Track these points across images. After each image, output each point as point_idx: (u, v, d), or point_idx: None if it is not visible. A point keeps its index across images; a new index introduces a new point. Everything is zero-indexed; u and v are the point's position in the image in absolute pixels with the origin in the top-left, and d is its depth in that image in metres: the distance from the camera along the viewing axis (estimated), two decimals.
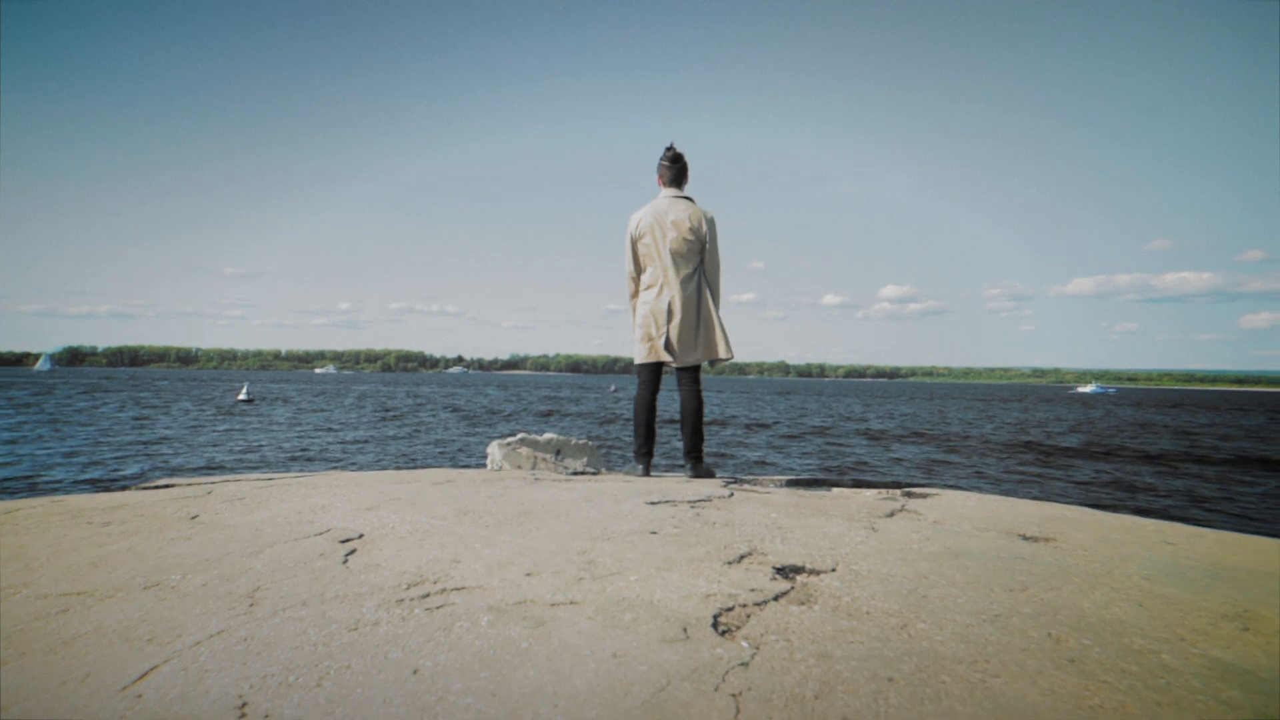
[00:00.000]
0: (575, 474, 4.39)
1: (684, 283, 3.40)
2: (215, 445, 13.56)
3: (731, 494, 2.76)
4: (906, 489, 3.13)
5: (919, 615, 1.31)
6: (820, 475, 3.73)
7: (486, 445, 5.19)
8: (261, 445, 13.63)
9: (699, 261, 3.46)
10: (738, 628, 1.24)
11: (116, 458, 11.60)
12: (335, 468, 10.86)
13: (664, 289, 3.40)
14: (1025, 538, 1.99)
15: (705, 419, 3.67)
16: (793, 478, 3.46)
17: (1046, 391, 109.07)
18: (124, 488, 3.05)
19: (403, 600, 1.37)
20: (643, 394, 3.53)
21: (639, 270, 3.54)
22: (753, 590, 1.46)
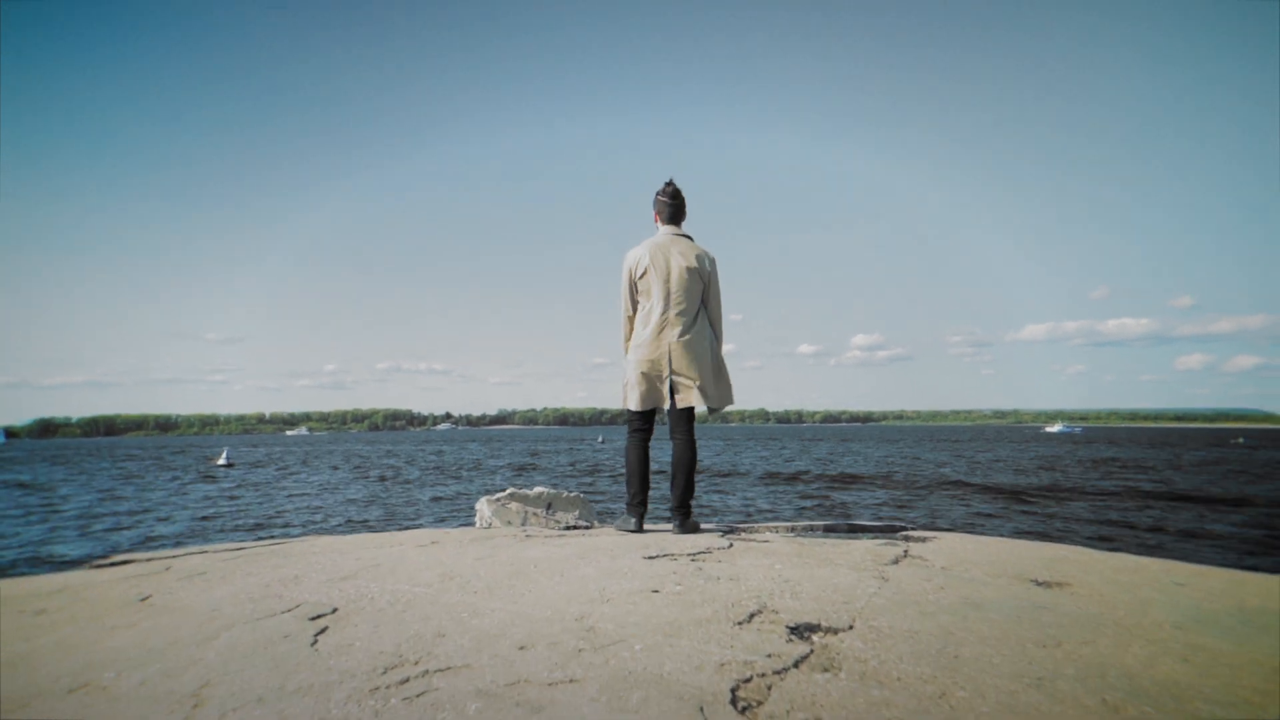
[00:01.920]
0: (567, 529, 4.20)
1: (686, 324, 3.22)
2: (188, 513, 13.05)
3: (730, 545, 2.62)
4: (903, 532, 3.01)
5: (956, 680, 1.18)
6: (815, 521, 3.56)
7: (475, 502, 4.99)
8: (238, 511, 13.14)
9: (700, 303, 3.30)
10: (759, 703, 1.10)
11: (81, 532, 11.08)
12: (315, 532, 10.46)
13: (664, 330, 3.21)
14: (1039, 583, 1.87)
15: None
16: (789, 524, 3.32)
17: (1012, 432, 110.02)
18: (77, 566, 2.82)
19: (378, 689, 1.21)
20: (635, 442, 3.32)
21: (636, 310, 3.35)
22: (770, 656, 1.31)
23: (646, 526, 3.38)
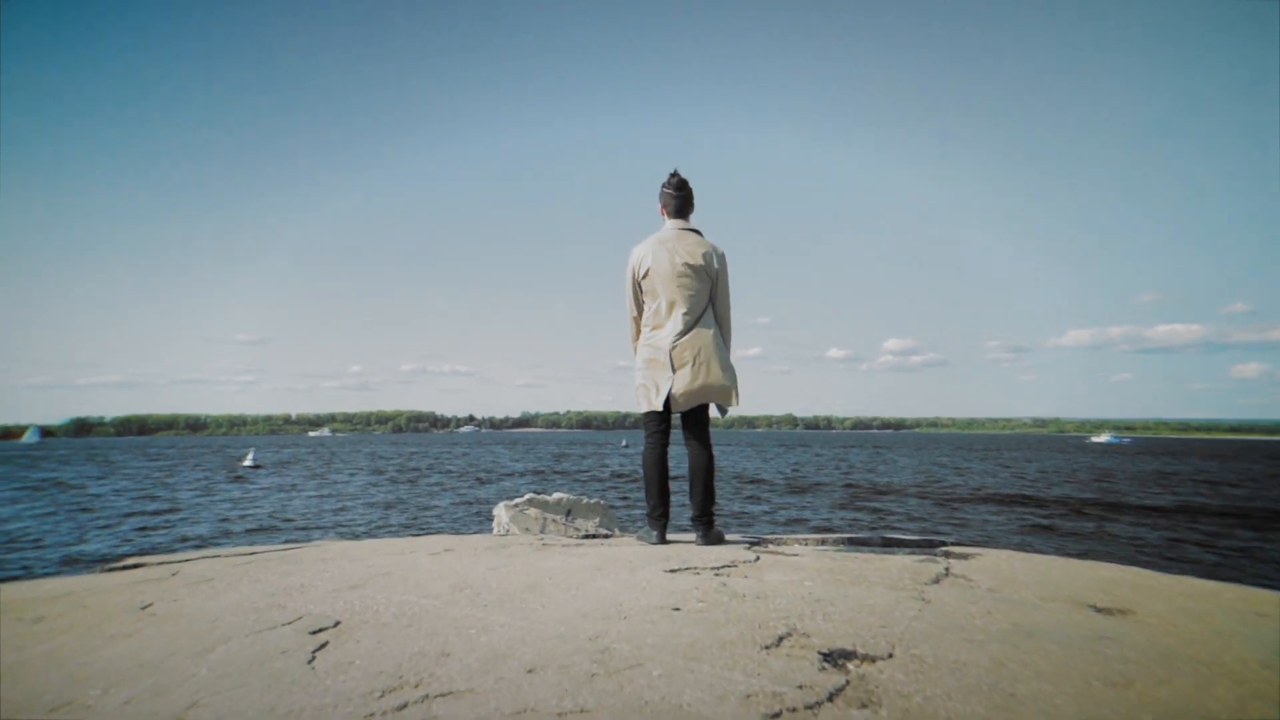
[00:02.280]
0: (586, 537, 4.10)
1: (693, 323, 3.07)
2: (212, 514, 13.21)
3: (757, 558, 2.49)
4: (943, 548, 2.84)
5: None
6: (847, 534, 3.38)
7: (494, 507, 4.91)
8: (262, 513, 13.26)
9: (709, 300, 3.14)
10: None
11: (103, 531, 11.26)
12: (335, 536, 10.48)
13: (671, 329, 3.06)
14: (1098, 609, 1.70)
15: (716, 474, 3.36)
16: (819, 537, 3.17)
17: (1056, 441, 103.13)
18: (90, 569, 2.78)
19: (373, 715, 1.11)
20: (652, 449, 3.16)
21: (642, 310, 3.21)
22: (801, 687, 1.19)
23: (669, 537, 3.26)
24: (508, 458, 36.79)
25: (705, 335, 3.08)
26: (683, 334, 3.05)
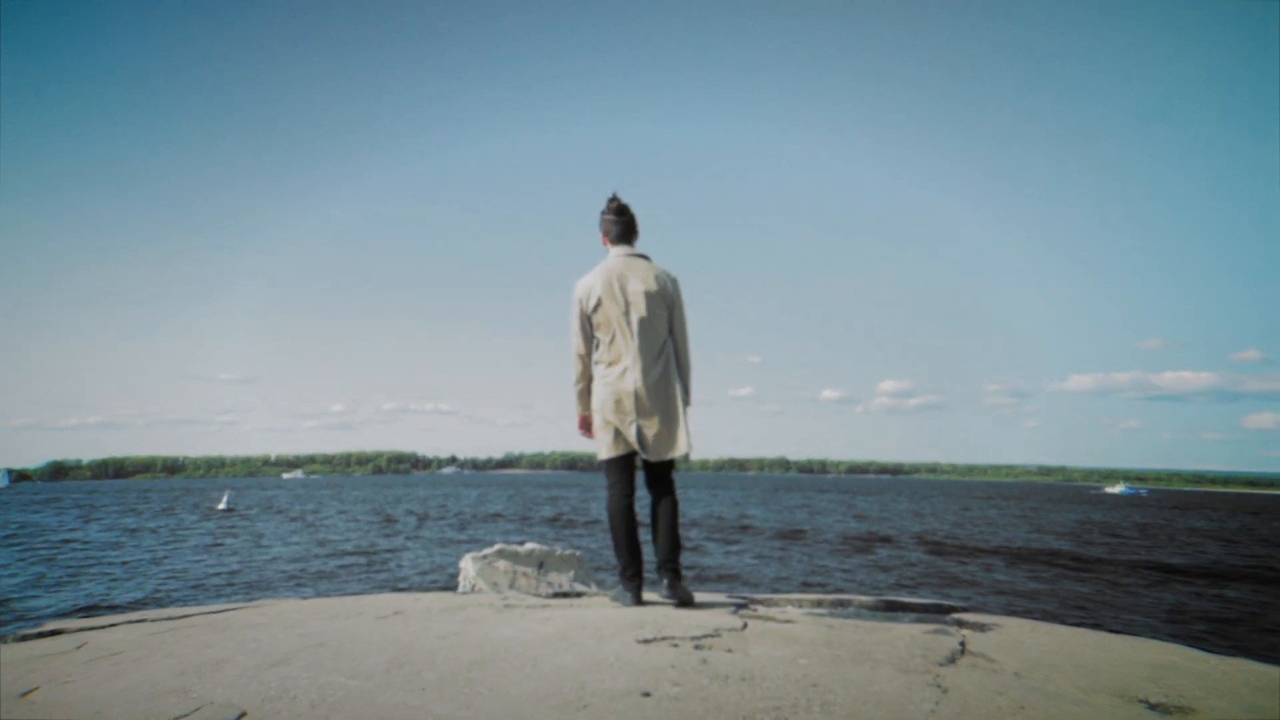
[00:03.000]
0: (556, 595, 3.77)
1: (652, 359, 2.84)
2: (172, 565, 12.56)
3: (744, 625, 2.22)
4: (954, 615, 2.56)
5: None
6: (845, 595, 3.09)
7: (462, 557, 4.59)
8: (220, 563, 12.60)
9: (667, 332, 2.92)
10: None
11: (55, 586, 10.59)
12: (287, 590, 9.84)
13: (629, 367, 2.82)
14: (1151, 706, 1.43)
15: (684, 520, 3.09)
16: (815, 598, 2.90)
17: (1066, 491, 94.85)
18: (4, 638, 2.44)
19: None
20: (617, 499, 2.89)
21: (589, 348, 2.96)
22: None
23: (647, 596, 2.97)
24: (486, 501, 35.90)
25: (667, 373, 2.88)
26: (647, 372, 2.83)
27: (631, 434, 2.83)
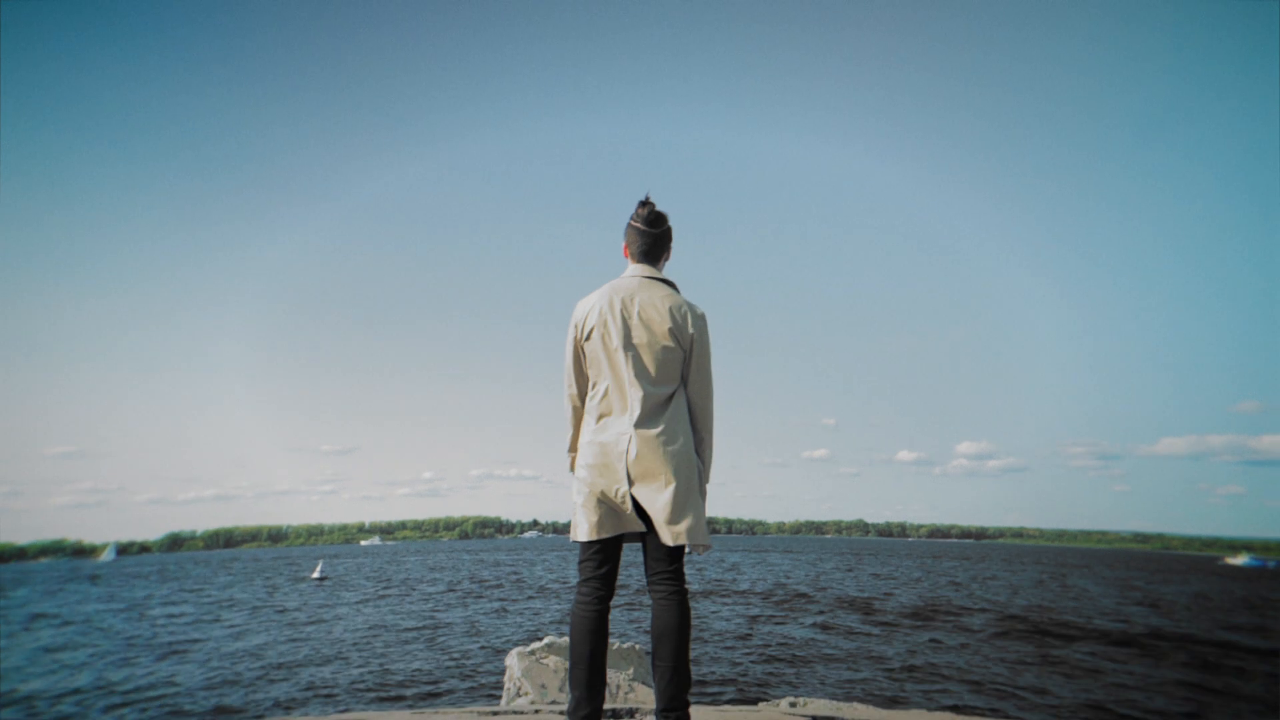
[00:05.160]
0: (615, 715, 3.22)
1: (654, 411, 2.15)
2: (242, 646, 12.60)
3: None
4: None
5: None
6: None
7: (509, 653, 4.14)
8: (294, 644, 12.53)
9: (680, 380, 2.22)
10: None
11: (99, 673, 10.66)
12: (350, 685, 9.35)
13: (620, 419, 2.15)
14: None
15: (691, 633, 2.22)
16: None
17: (1175, 561, 79.70)
18: None
19: None
20: (585, 603, 2.16)
21: (584, 387, 2.27)
22: None
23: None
24: (561, 567, 35.22)
25: (672, 429, 2.14)
26: (646, 427, 2.12)
27: (626, 505, 2.10)
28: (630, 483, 2.11)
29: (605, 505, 2.15)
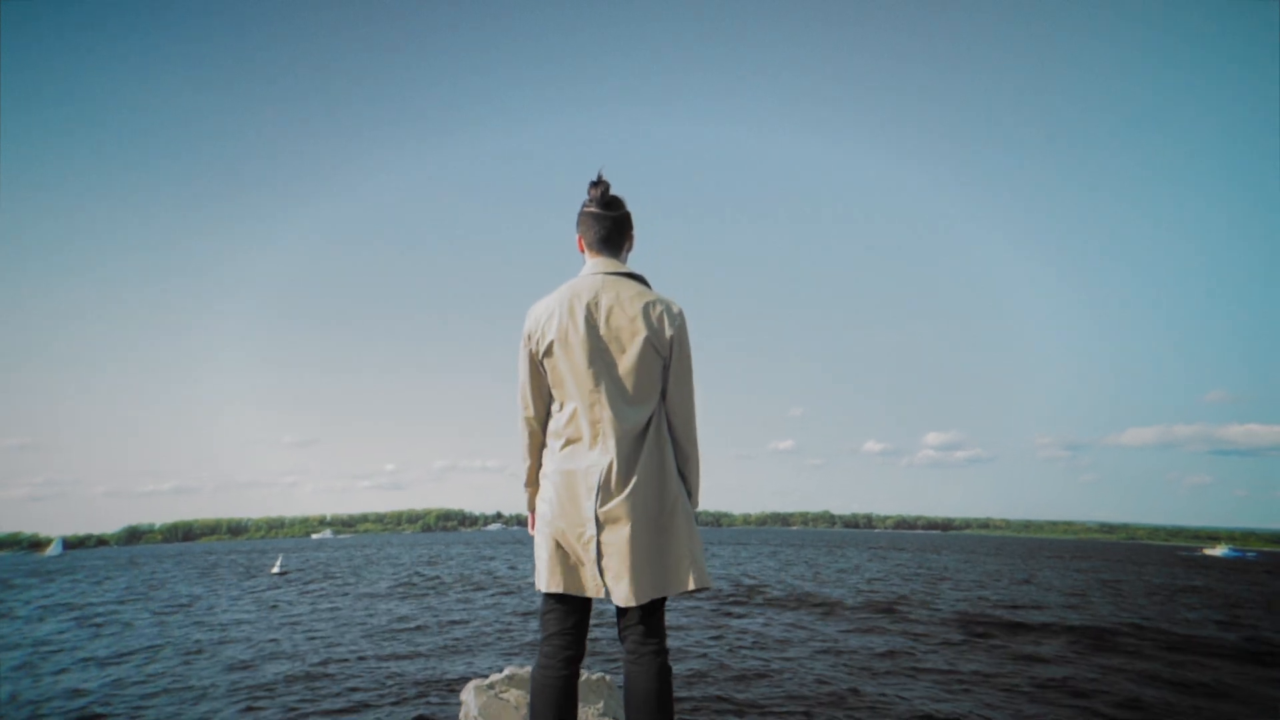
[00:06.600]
0: None
1: (631, 435, 1.79)
2: (198, 639, 11.98)
3: None
4: None
5: None
6: None
7: (465, 686, 3.79)
8: (244, 641, 11.89)
9: (659, 394, 1.85)
10: None
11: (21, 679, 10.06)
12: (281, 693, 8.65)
13: (591, 449, 1.79)
14: None
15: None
16: None
17: (1145, 552, 77.81)
18: None
19: None
20: (547, 667, 1.83)
21: (542, 409, 1.92)
22: None
23: None
24: (525, 565, 34.47)
25: (659, 459, 1.79)
26: (622, 455, 1.76)
27: (588, 555, 1.77)
28: (599, 526, 1.75)
29: (569, 555, 1.81)
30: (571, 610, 1.85)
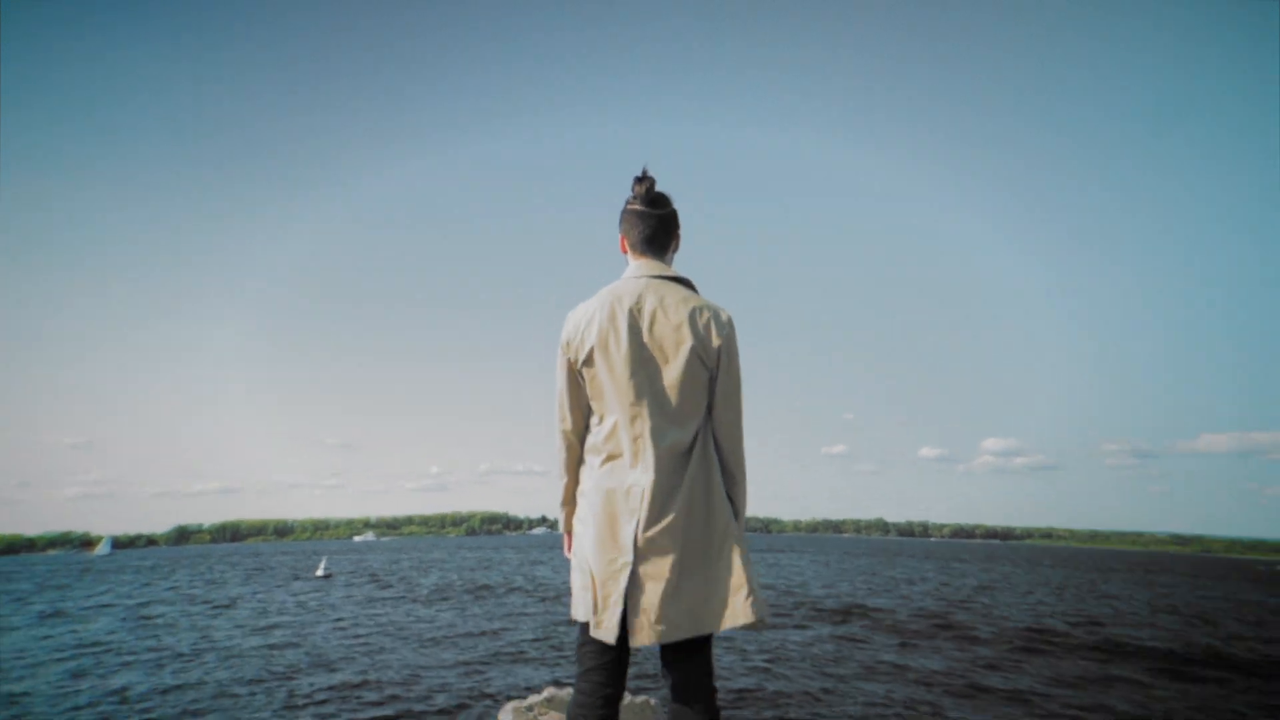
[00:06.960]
0: None
1: (675, 454, 1.61)
2: (234, 645, 12.06)
3: None
4: None
5: None
6: None
7: (503, 707, 3.48)
8: (277, 647, 11.93)
9: (704, 411, 1.68)
10: None
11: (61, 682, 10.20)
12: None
13: (634, 468, 1.62)
14: None
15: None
16: None
17: (1221, 566, 65.51)
18: None
19: None
20: (584, 705, 1.65)
21: (580, 422, 1.76)
22: None
23: None
24: (566, 569, 34.20)
25: (705, 481, 1.62)
26: (663, 475, 1.59)
27: (618, 589, 1.56)
28: (637, 554, 1.57)
29: (606, 585, 1.61)
30: (606, 645, 1.64)
